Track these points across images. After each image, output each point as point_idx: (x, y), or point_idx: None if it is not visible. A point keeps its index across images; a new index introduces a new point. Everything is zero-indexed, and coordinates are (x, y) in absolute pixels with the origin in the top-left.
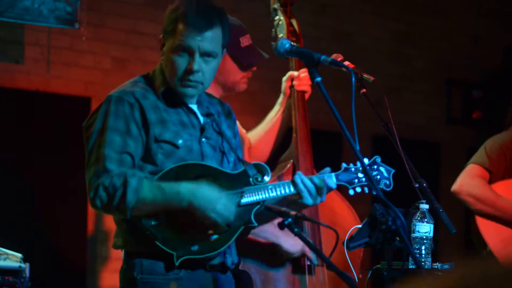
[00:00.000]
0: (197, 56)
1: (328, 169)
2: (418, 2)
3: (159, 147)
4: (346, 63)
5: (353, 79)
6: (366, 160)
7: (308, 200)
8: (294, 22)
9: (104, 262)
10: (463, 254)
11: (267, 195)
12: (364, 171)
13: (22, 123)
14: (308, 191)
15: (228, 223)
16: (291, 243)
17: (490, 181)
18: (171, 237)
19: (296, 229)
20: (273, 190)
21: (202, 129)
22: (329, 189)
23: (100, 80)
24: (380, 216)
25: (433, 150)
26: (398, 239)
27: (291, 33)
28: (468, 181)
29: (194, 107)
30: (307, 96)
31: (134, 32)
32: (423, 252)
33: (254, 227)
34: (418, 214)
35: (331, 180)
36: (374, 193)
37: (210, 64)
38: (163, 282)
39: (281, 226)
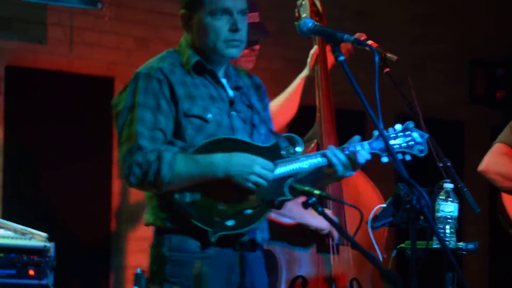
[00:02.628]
0: (236, 15)
1: (357, 137)
2: None
3: (188, 122)
4: (369, 42)
5: (376, 57)
6: (399, 126)
7: (341, 172)
8: (317, 1)
9: (129, 241)
10: (488, 234)
11: (299, 167)
12: (387, 149)
13: (45, 103)
14: (341, 162)
15: (264, 197)
16: (319, 220)
17: None
18: (206, 213)
19: (320, 208)
20: (305, 161)
21: (231, 102)
22: (362, 159)
23: (123, 60)
24: (404, 196)
25: (456, 130)
26: (422, 218)
27: (314, 12)
28: (495, 160)
29: (223, 81)
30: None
31: (154, 12)
32: (448, 231)
33: (288, 200)
34: (442, 193)
35: (364, 148)
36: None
37: (245, 22)
38: (191, 260)
39: (305, 205)
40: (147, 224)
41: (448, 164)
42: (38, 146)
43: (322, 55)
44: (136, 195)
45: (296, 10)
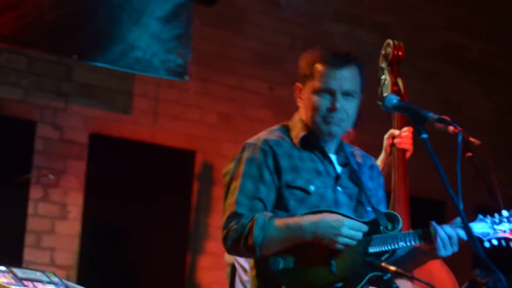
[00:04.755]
0: (338, 95)
1: (459, 219)
2: None
3: (291, 193)
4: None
5: (460, 137)
6: (505, 212)
7: (441, 250)
8: (399, 81)
9: None
10: None
11: (395, 245)
12: (466, 228)
13: (127, 172)
14: (442, 241)
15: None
16: None
17: None
18: (297, 282)
19: (395, 285)
20: (402, 239)
21: (337, 177)
22: (462, 240)
23: (205, 135)
24: (480, 276)
25: None
26: None
27: (396, 92)
28: None
29: (332, 156)
30: (408, 155)
31: (240, 89)
32: None
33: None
34: None
35: (461, 231)
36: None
37: (351, 102)
38: None
39: (378, 283)
40: None
41: None
42: (116, 215)
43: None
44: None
45: (379, 89)
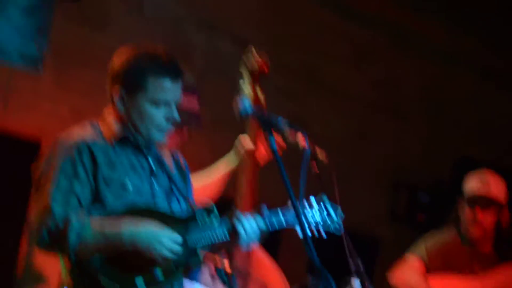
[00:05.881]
0: (173, 105)
1: (264, 206)
2: (372, 99)
3: (107, 188)
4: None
5: (307, 142)
6: (312, 198)
7: (243, 240)
8: (258, 90)
9: None
10: None
11: (215, 238)
12: (300, 224)
13: None
14: (246, 233)
15: (176, 261)
16: None
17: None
18: (116, 274)
19: (225, 278)
20: (221, 232)
21: (152, 171)
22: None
23: (55, 127)
24: (312, 282)
25: (372, 246)
26: None
27: (254, 100)
28: (404, 273)
29: (145, 151)
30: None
31: (96, 86)
32: None
33: (200, 263)
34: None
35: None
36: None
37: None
38: None
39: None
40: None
41: (358, 260)
42: None
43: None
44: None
45: (237, 95)
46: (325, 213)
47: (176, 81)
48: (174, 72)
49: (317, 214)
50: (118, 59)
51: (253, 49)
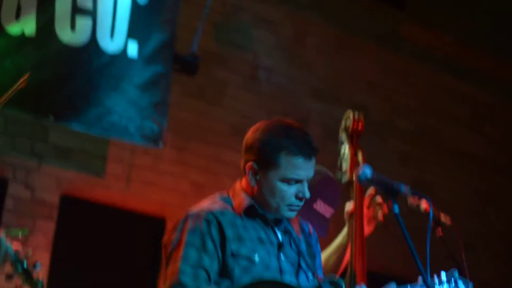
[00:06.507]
0: (305, 183)
1: (393, 284)
2: (500, 163)
3: (235, 262)
4: (423, 205)
5: (431, 211)
6: (443, 274)
7: None
8: (359, 154)
9: None
10: None
11: None
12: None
13: (96, 236)
14: None
15: None
16: None
17: None
18: None
19: None
20: None
21: (280, 245)
22: None
23: (177, 202)
24: None
25: None
26: None
27: (356, 165)
28: None
29: (272, 225)
30: (370, 228)
31: (215, 159)
32: None
33: None
34: None
35: None
36: None
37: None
38: None
39: None
40: None
41: None
42: (82, 278)
43: (359, 211)
44: None
45: (338, 161)
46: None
47: (309, 159)
48: (308, 150)
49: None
50: (253, 133)
51: (350, 113)
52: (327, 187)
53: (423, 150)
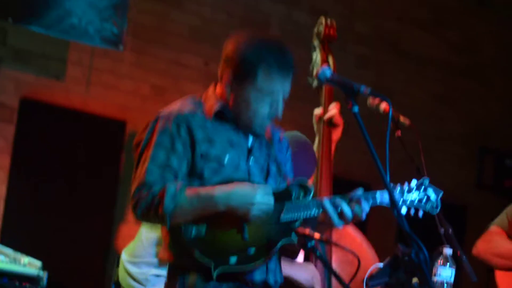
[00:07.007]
0: (280, 102)
1: (361, 189)
2: (457, 66)
3: (205, 163)
4: (383, 106)
5: (390, 111)
6: (414, 181)
7: (335, 222)
8: (330, 59)
9: None
10: None
11: (308, 213)
12: (392, 202)
13: (55, 138)
14: (332, 213)
15: (269, 238)
16: (304, 277)
17: None
18: (209, 249)
19: (318, 253)
20: (314, 207)
21: (250, 149)
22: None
23: (137, 106)
24: (402, 256)
25: (460, 214)
26: (418, 282)
27: None
28: (486, 240)
29: (244, 128)
30: (338, 132)
31: (175, 63)
32: None
33: (292, 243)
34: (441, 257)
35: (369, 200)
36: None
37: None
38: None
39: (304, 247)
40: (160, 262)
41: (450, 230)
42: (42, 178)
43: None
44: (134, 232)
45: (311, 65)
46: (425, 198)
47: (287, 74)
48: (286, 65)
49: (416, 198)
50: (233, 44)
51: (323, 19)
52: (305, 151)
53: (382, 54)
